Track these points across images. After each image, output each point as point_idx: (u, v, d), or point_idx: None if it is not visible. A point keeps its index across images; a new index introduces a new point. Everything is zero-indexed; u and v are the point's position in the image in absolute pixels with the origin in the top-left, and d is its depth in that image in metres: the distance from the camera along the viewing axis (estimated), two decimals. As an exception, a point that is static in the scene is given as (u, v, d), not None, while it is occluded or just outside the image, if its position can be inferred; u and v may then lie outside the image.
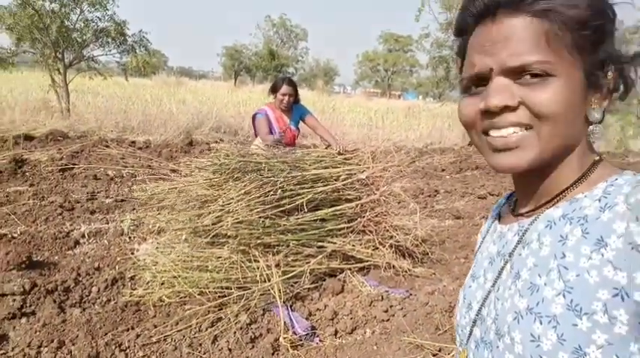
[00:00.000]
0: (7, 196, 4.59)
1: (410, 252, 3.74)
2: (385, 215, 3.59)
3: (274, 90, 3.92)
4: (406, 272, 3.48)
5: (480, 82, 0.60)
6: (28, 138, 7.30)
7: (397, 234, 3.59)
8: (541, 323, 0.53)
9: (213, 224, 2.77)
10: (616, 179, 0.56)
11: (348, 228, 3.41)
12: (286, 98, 3.86)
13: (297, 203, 3.04)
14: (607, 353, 0.49)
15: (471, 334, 0.68)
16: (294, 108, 3.98)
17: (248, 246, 2.96)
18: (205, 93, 17.64)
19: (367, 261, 3.41)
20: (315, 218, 3.19)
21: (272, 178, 2.93)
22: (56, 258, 3.41)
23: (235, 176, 2.90)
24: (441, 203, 5.97)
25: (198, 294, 2.71)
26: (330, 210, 3.25)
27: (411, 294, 3.21)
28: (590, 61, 0.57)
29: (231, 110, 11.88)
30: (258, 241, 2.93)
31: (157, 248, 3.08)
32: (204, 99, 13.34)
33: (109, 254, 3.49)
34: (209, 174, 2.95)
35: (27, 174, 5.52)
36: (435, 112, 17.85)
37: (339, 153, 3.57)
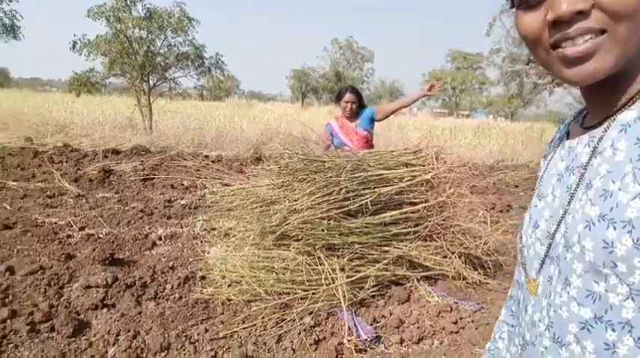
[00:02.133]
0: (95, 201, 5.01)
1: (481, 263, 3.54)
2: (453, 219, 3.44)
3: (339, 98, 3.98)
4: (477, 284, 3.30)
5: None
6: (115, 152, 7.98)
7: (467, 241, 3.42)
8: (615, 229, 0.50)
9: (277, 225, 2.81)
10: None
11: (414, 232, 3.31)
12: (349, 105, 3.90)
13: (360, 203, 3.01)
14: None
15: (545, 256, 0.64)
16: (361, 113, 4.00)
17: (313, 248, 2.96)
18: (274, 113, 18.31)
19: (435, 270, 3.27)
20: (380, 220, 3.14)
21: (335, 178, 2.93)
22: (135, 256, 3.64)
23: (300, 177, 2.95)
24: (514, 218, 5.63)
25: (264, 294, 2.75)
26: (394, 212, 3.18)
27: (482, 307, 3.02)
28: None
29: (298, 128, 12.19)
30: (323, 242, 2.93)
31: (226, 249, 3.18)
32: (272, 118, 13.83)
33: (182, 255, 3.66)
34: (274, 175, 3.02)
35: (113, 182, 6.01)
36: (506, 130, 17.05)
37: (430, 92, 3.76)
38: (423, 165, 3.46)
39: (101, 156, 7.49)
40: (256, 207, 2.95)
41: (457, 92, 45.55)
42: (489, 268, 3.51)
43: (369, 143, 4.02)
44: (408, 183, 3.25)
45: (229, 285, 2.95)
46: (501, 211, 5.98)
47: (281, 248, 3.03)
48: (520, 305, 0.71)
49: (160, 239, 4.02)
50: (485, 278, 3.32)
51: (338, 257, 3.03)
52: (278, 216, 2.81)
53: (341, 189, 2.96)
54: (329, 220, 2.96)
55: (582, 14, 0.52)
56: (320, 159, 3.00)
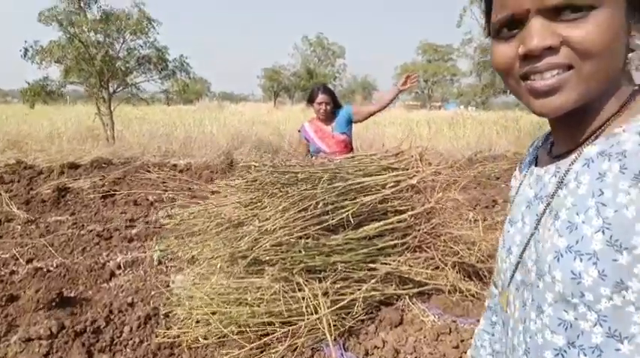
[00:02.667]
0: (47, 227, 4.51)
1: (476, 270, 3.24)
2: (443, 226, 3.13)
3: (311, 100, 3.61)
4: (474, 296, 3.00)
5: (513, 24, 0.58)
6: (74, 166, 7.41)
7: (460, 249, 3.11)
8: (581, 261, 0.53)
9: (248, 249, 2.43)
10: None
11: (402, 244, 2.99)
12: (323, 107, 3.54)
13: (341, 217, 2.66)
14: None
15: (512, 278, 0.68)
16: (337, 114, 3.64)
17: (290, 273, 2.60)
18: (245, 114, 17.78)
19: (428, 284, 2.96)
20: (364, 234, 2.80)
21: (311, 190, 2.57)
22: (90, 292, 3.20)
23: (270, 191, 2.58)
24: (501, 214, 5.40)
25: (238, 333, 2.37)
26: (379, 223, 2.84)
27: (483, 324, 2.72)
28: None
29: (271, 129, 11.76)
30: (301, 265, 2.57)
31: (192, 279, 2.78)
32: (243, 120, 13.35)
33: (144, 286, 3.24)
34: (241, 192, 2.64)
35: (69, 202, 5.49)
36: (480, 119, 17.03)
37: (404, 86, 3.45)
38: (407, 169, 3.13)
39: (57, 172, 6.91)
40: (222, 230, 2.56)
41: (429, 84, 45.76)
42: (485, 276, 3.23)
43: (347, 147, 3.66)
44: (392, 189, 2.92)
45: (197, 322, 2.55)
46: (487, 207, 5.75)
47: (254, 275, 2.65)
48: (503, 325, 0.72)
49: (120, 268, 3.58)
50: (482, 289, 3.03)
51: (320, 280, 2.68)
52: (247, 240, 2.42)
53: (318, 203, 2.61)
54: (307, 239, 2.60)
55: (552, 50, 0.54)
56: (291, 171, 2.63)
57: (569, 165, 0.60)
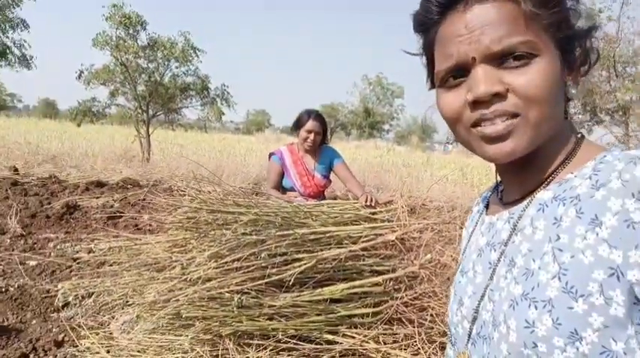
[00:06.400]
0: (35, 243, 4.37)
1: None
2: (430, 297, 2.53)
3: (298, 126, 3.11)
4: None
5: (459, 72, 0.59)
6: (100, 184, 7.46)
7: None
8: (536, 308, 0.52)
9: (166, 301, 2.00)
10: (604, 156, 0.55)
11: (374, 314, 2.41)
12: (312, 136, 3.04)
13: (291, 273, 2.16)
14: (603, 336, 0.48)
15: (470, 335, 0.65)
16: (322, 151, 3.17)
17: (219, 336, 2.12)
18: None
19: (403, 370, 2.34)
20: (322, 297, 2.27)
21: (255, 236, 2.12)
22: (34, 321, 2.89)
23: (203, 233, 2.15)
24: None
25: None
26: (343, 286, 2.31)
27: None
28: (563, 37, 0.57)
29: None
30: (230, 330, 2.08)
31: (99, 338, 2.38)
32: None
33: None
34: (173, 229, 2.24)
35: (72, 220, 5.39)
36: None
37: (369, 206, 2.63)
38: (392, 221, 2.59)
39: (81, 189, 6.97)
40: (142, 273, 2.16)
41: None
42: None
43: (321, 195, 3.17)
44: (364, 245, 2.39)
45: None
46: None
47: (179, 330, 2.20)
48: None
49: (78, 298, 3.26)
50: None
51: (258, 348, 2.17)
52: (164, 288, 2.00)
53: (260, 252, 2.14)
54: (242, 295, 2.12)
55: (499, 96, 0.56)
56: (227, 211, 2.20)
57: (522, 210, 0.60)
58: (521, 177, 0.62)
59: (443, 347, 2.46)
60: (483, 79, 0.55)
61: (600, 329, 0.48)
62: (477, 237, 0.70)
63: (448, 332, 0.74)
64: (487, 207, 0.73)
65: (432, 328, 2.48)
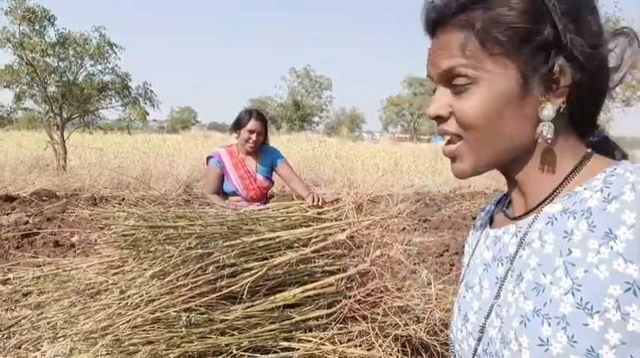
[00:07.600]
0: None
1: (426, 344, 2.64)
2: (383, 292, 2.55)
3: (238, 126, 2.95)
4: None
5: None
6: (9, 199, 6.72)
7: (403, 321, 2.51)
8: (550, 325, 0.51)
9: (104, 329, 1.81)
10: (614, 169, 0.54)
11: (328, 315, 2.38)
12: (253, 136, 2.90)
13: (242, 283, 2.06)
14: (621, 353, 0.47)
15: (476, 349, 0.63)
16: (263, 151, 3.07)
17: (167, 359, 1.97)
18: (226, 143, 17.28)
19: (360, 368, 2.34)
20: (274, 305, 2.19)
21: (200, 250, 1.99)
22: None
23: (142, 251, 1.98)
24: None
25: None
26: (296, 291, 2.25)
27: None
28: (526, 58, 0.55)
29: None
30: (182, 350, 1.94)
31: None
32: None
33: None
34: (107, 250, 2.05)
35: (-22, 242, 4.80)
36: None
37: (316, 206, 2.58)
38: (340, 219, 2.57)
39: (-13, 205, 6.23)
40: (72, 301, 1.94)
41: (415, 118, 46.06)
42: (436, 351, 2.62)
43: (264, 197, 3.08)
44: (315, 247, 2.34)
45: None
46: (456, 253, 5.18)
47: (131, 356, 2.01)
48: None
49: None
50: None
51: (211, 366, 2.05)
52: (101, 316, 1.81)
53: (208, 266, 2.01)
54: (190, 313, 1.98)
55: (443, 119, 0.59)
56: (169, 225, 2.05)
57: (530, 223, 0.60)
58: (529, 191, 0.62)
59: (398, 338, 2.49)
60: (435, 100, 0.60)
61: (617, 346, 0.47)
62: (482, 251, 0.68)
63: (451, 349, 0.72)
64: (491, 220, 0.72)
65: (385, 321, 2.51)
